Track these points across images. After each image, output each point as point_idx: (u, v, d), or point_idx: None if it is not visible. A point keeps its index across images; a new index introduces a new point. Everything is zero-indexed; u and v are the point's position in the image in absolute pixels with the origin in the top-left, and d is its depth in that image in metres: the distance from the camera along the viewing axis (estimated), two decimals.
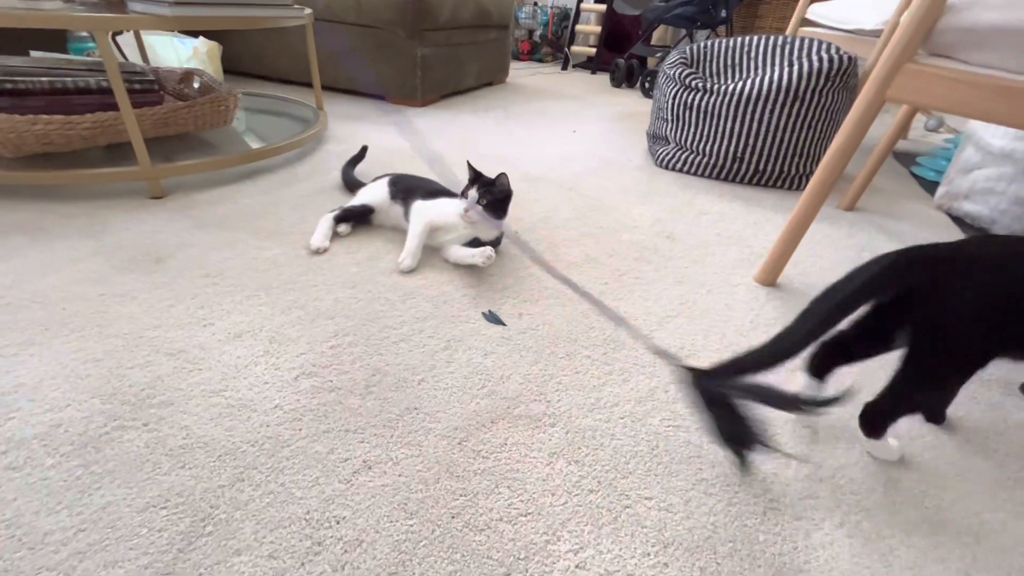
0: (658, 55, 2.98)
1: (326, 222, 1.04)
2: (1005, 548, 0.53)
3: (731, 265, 1.06)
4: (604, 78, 3.38)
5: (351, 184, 1.24)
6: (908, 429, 0.68)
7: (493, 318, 0.83)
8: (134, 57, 1.87)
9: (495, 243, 1.00)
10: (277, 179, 1.32)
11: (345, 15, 2.06)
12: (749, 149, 1.48)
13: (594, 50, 3.56)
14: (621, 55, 3.17)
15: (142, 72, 1.38)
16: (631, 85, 3.11)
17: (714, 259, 1.08)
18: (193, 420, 0.61)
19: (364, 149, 1.37)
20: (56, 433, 0.58)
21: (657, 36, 3.36)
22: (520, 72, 3.38)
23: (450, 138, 1.77)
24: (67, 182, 1.14)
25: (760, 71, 1.55)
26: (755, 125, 1.44)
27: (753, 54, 1.57)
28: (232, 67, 2.37)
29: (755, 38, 1.60)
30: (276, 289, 0.87)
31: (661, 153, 1.64)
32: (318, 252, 0.99)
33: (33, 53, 1.38)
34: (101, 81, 1.27)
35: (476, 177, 0.97)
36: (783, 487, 0.58)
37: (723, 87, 1.46)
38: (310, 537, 0.49)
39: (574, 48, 3.67)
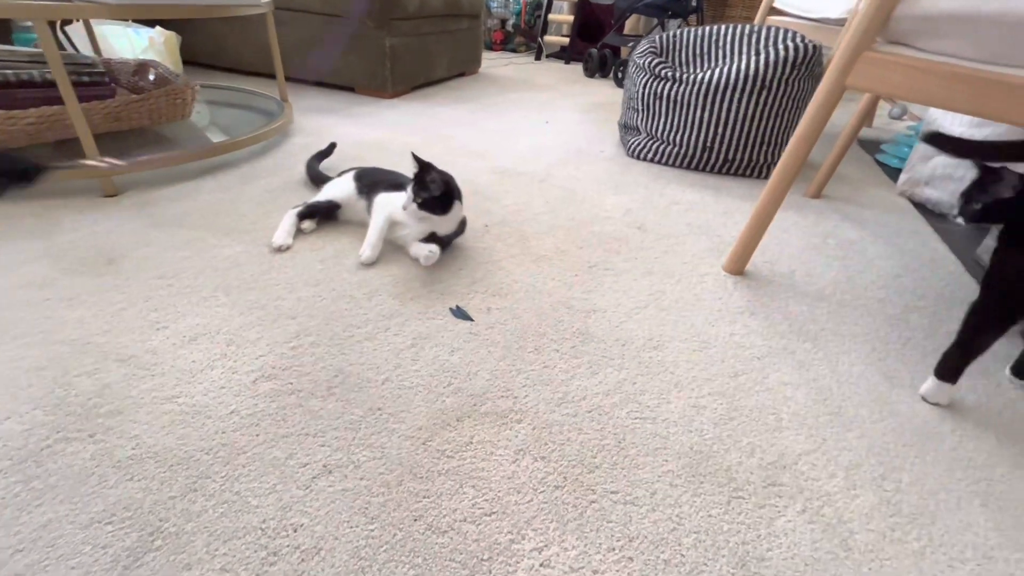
0: (631, 45, 2.98)
1: (289, 218, 1.01)
2: (959, 528, 0.55)
3: (700, 255, 1.07)
4: (577, 68, 3.36)
5: (316, 179, 1.21)
6: (869, 414, 0.69)
7: (460, 314, 0.82)
8: (86, 48, 1.79)
9: (449, 238, 0.97)
10: (239, 174, 1.28)
11: (310, 4, 2.00)
12: (718, 138, 1.48)
13: (567, 40, 3.54)
14: (594, 45, 3.15)
15: (91, 64, 1.32)
16: (604, 75, 3.10)
17: (684, 249, 1.09)
18: (143, 429, 0.58)
19: (332, 145, 1.33)
20: None
21: (630, 25, 3.35)
22: (493, 62, 3.34)
23: (421, 131, 1.74)
24: None
25: (728, 60, 1.55)
26: (724, 114, 1.45)
27: (721, 43, 1.57)
28: (192, 58, 2.29)
29: (723, 27, 1.60)
30: (236, 289, 0.84)
31: (633, 143, 1.63)
32: (280, 250, 0.96)
33: None
34: (46, 73, 1.21)
35: (419, 171, 0.91)
36: (747, 475, 0.58)
37: (692, 76, 1.46)
38: (265, 547, 0.47)
39: (547, 38, 3.64)
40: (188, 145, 1.35)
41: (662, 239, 1.12)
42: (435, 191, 0.91)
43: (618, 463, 0.59)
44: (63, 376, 0.64)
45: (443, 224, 0.95)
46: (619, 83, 2.85)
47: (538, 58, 3.64)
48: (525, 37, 3.96)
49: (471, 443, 0.60)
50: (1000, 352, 0.83)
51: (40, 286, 0.81)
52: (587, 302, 0.88)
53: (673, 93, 1.49)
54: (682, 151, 1.54)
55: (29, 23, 1.79)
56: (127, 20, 1.94)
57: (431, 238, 0.95)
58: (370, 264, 0.93)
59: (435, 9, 2.26)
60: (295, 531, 0.49)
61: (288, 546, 0.48)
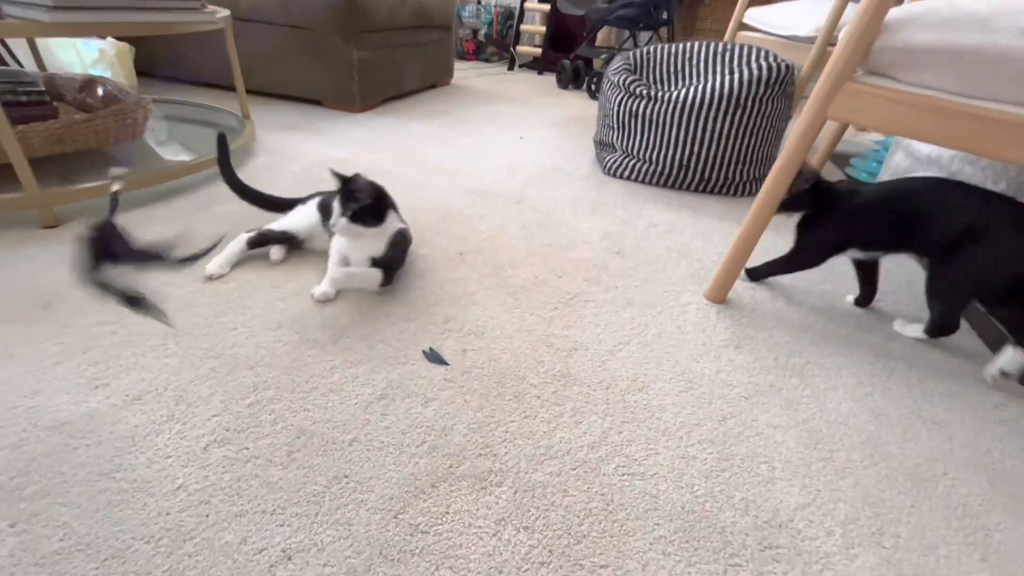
0: (603, 56, 2.98)
1: (236, 245, 0.94)
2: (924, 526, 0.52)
3: (681, 281, 1.04)
4: (550, 79, 3.35)
5: (245, 193, 1.06)
6: (861, 458, 0.67)
7: (435, 357, 0.77)
8: (28, 62, 1.67)
9: (391, 259, 0.91)
10: (196, 200, 1.20)
11: (273, 16, 1.92)
12: (694, 157, 1.47)
13: (540, 50, 3.53)
14: (567, 55, 3.14)
15: (29, 81, 1.22)
16: (577, 86, 3.09)
17: (664, 275, 1.06)
18: (74, 514, 0.51)
19: (223, 138, 1.07)
20: None
21: (602, 37, 3.36)
22: (466, 73, 3.30)
23: (390, 148, 1.68)
24: None
25: (702, 79, 1.55)
26: (699, 133, 1.44)
27: (695, 61, 1.57)
28: (147, 70, 2.18)
29: (696, 44, 1.59)
30: (188, 335, 0.77)
31: (608, 161, 1.61)
32: (211, 278, 0.89)
33: None
34: None
35: (343, 184, 0.86)
36: (742, 538, 0.55)
37: (666, 95, 1.45)
38: None
39: (520, 48, 3.62)
40: (140, 168, 1.26)
41: (641, 265, 1.09)
42: (364, 199, 0.85)
43: (607, 530, 0.55)
44: None
45: (374, 242, 0.89)
46: (592, 95, 2.84)
47: (511, 68, 3.62)
48: (497, 47, 3.93)
49: (447, 513, 0.55)
50: (980, 384, 0.82)
51: None
52: (568, 339, 0.84)
53: (648, 111, 1.47)
54: (658, 169, 1.53)
55: None
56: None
57: (373, 263, 0.89)
58: (325, 300, 0.87)
59: (404, 20, 2.21)
60: None
61: None
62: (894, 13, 0.70)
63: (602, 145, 1.70)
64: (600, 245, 1.16)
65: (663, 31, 2.89)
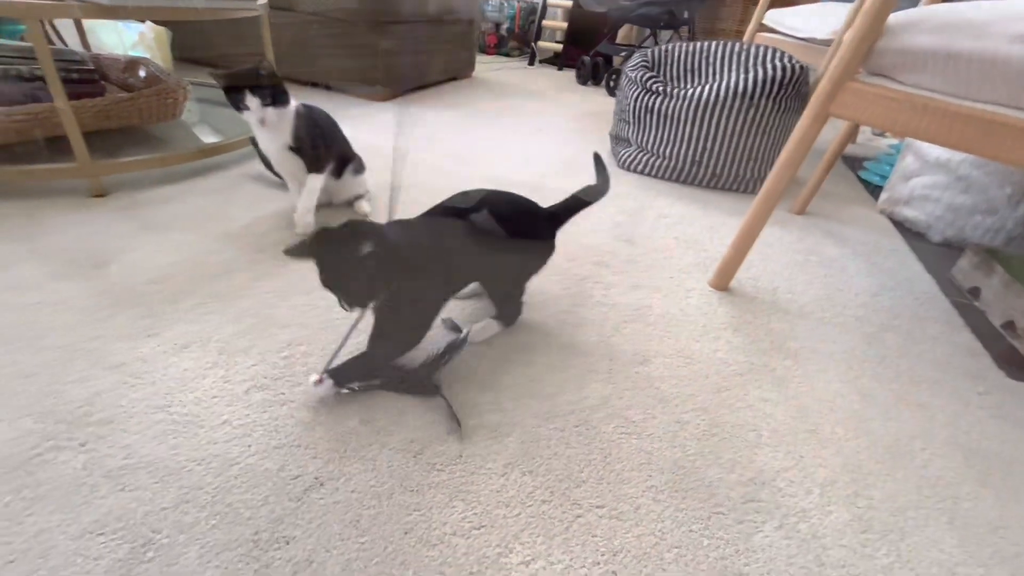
0: (623, 54, 3.01)
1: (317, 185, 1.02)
2: (927, 544, 0.57)
3: (687, 269, 1.09)
4: (570, 75, 3.39)
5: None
6: (845, 432, 0.72)
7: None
8: (73, 42, 1.76)
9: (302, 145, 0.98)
10: (230, 177, 1.27)
11: (305, 4, 1.99)
12: (707, 153, 1.52)
13: (561, 46, 3.56)
14: (587, 52, 3.18)
15: (80, 60, 1.30)
16: (596, 83, 3.13)
17: (671, 263, 1.11)
18: (135, 439, 0.59)
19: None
20: None
21: (623, 35, 3.39)
22: (487, 67, 3.35)
23: (412, 135, 1.75)
24: (2, 179, 1.07)
25: (718, 77, 1.59)
26: (712, 130, 1.48)
27: (711, 60, 1.61)
28: (185, 54, 2.27)
29: (713, 44, 1.63)
30: (227, 296, 0.84)
31: (623, 155, 1.66)
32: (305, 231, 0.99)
33: None
34: (34, 69, 1.20)
35: (232, 85, 0.91)
36: (727, 491, 0.61)
37: (682, 92, 1.49)
38: (258, 559, 0.48)
39: (540, 43, 3.66)
40: (179, 146, 1.34)
41: (650, 253, 1.14)
42: (269, 79, 0.91)
43: (604, 478, 0.61)
44: (52, 383, 0.64)
45: (283, 127, 0.95)
46: (611, 92, 2.88)
47: (531, 63, 3.66)
48: (519, 42, 3.98)
49: (461, 456, 0.61)
50: (967, 375, 0.86)
51: (27, 289, 0.80)
52: (576, 315, 0.90)
53: (664, 107, 1.52)
54: (671, 164, 1.57)
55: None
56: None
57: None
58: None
59: (430, 12, 2.27)
60: (287, 543, 0.50)
61: (280, 559, 0.48)
62: (895, 17, 0.74)
63: (617, 139, 1.74)
64: (611, 233, 1.21)
65: (683, 30, 2.91)
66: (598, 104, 2.62)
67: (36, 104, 1.13)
